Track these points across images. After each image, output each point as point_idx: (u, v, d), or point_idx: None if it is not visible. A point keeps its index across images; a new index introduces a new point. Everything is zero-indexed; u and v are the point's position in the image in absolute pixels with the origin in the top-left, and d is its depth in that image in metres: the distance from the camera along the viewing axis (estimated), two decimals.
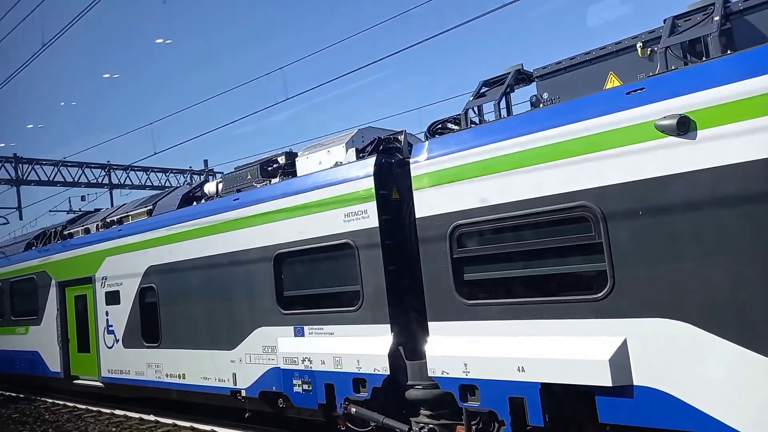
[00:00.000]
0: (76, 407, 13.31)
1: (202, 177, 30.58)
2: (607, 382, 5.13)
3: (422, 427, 6.91)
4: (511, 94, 7.02)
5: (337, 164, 8.18)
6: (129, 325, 11.48)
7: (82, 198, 28.74)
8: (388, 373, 7.02)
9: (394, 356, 7.05)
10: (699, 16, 5.61)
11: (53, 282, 14.05)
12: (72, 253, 13.43)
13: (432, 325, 6.60)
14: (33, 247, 15.87)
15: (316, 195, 7.99)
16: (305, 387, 8.02)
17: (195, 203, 10.83)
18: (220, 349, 9.42)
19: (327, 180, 7.94)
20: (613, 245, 5.25)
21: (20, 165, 26.38)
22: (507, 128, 6.17)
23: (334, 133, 9.36)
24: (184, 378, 10.19)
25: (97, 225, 13.29)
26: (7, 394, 15.93)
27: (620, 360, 5.12)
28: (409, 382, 7.00)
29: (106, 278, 12.15)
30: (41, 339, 14.50)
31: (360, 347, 7.37)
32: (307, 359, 7.99)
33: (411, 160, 6.93)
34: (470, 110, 6.99)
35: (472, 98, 7.06)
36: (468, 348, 6.20)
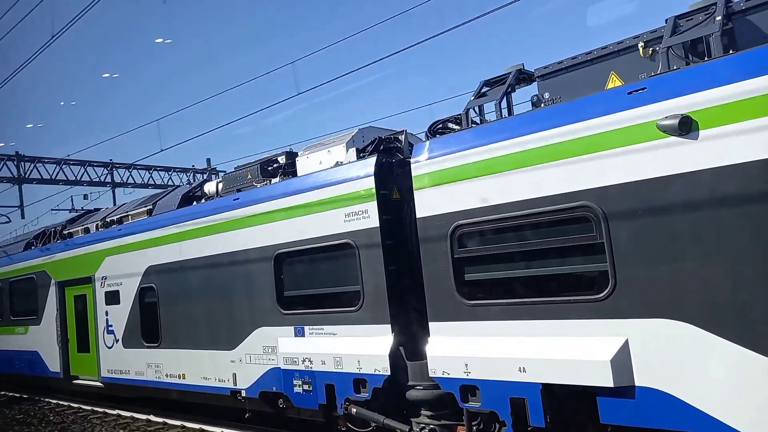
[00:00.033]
0: (81, 408, 13.15)
1: (205, 176, 30.47)
2: (609, 382, 5.12)
3: (423, 428, 6.89)
4: (512, 93, 7.01)
5: (337, 164, 8.17)
6: (129, 325, 11.47)
7: (85, 197, 28.57)
8: (388, 373, 7.01)
9: (394, 356, 7.03)
10: (701, 16, 5.60)
11: (53, 282, 14.03)
12: (72, 253, 13.41)
13: (433, 326, 6.59)
14: (32, 247, 15.85)
15: (317, 195, 7.98)
16: (305, 387, 8.00)
17: (195, 203, 10.81)
18: (220, 349, 9.41)
19: (327, 180, 7.93)
20: (615, 245, 5.24)
21: (22, 163, 26.17)
22: (508, 128, 6.16)
23: (334, 133, 9.36)
24: (184, 378, 10.18)
25: (97, 225, 13.27)
26: (10, 394, 15.81)
27: (622, 360, 5.10)
28: (410, 383, 6.99)
29: (105, 278, 12.13)
30: (41, 339, 14.47)
31: (361, 347, 7.35)
32: (307, 359, 7.98)
33: (412, 160, 6.92)
34: (471, 110, 6.98)
35: (473, 98, 7.05)
36: (469, 348, 6.19)
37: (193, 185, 11.91)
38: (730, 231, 4.70)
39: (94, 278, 12.44)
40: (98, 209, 16.44)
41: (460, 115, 7.10)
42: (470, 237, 6.35)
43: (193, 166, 32.17)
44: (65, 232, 14.58)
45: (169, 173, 31.07)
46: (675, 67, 5.42)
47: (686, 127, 4.84)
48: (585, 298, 5.44)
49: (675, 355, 4.90)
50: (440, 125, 7.40)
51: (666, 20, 5.83)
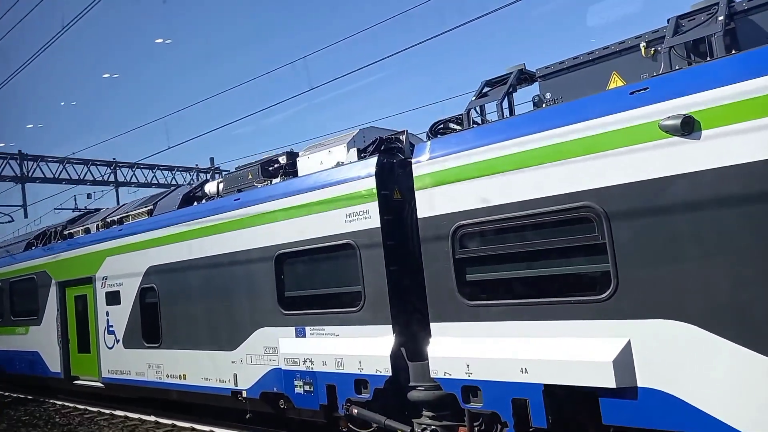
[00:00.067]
0: (87, 410, 12.97)
1: (209, 175, 30.35)
2: (611, 383, 5.11)
3: (424, 429, 6.88)
4: (514, 94, 6.99)
5: (338, 164, 8.16)
6: (129, 326, 11.46)
7: (88, 196, 28.21)
8: (390, 374, 7.00)
9: (396, 357, 7.02)
10: (703, 16, 5.59)
11: (53, 282, 14.03)
12: (72, 253, 13.40)
13: (434, 326, 6.58)
14: (33, 247, 15.84)
15: (318, 195, 7.97)
16: (306, 388, 7.99)
17: (196, 203, 10.80)
18: (221, 350, 9.40)
19: (328, 180, 7.92)
20: (617, 246, 5.23)
21: (25, 162, 25.96)
22: (509, 128, 6.15)
23: (335, 133, 9.35)
24: (184, 379, 10.17)
25: (98, 225, 13.26)
26: (15, 395, 15.67)
27: (624, 361, 5.09)
28: (411, 383, 6.97)
29: (106, 278, 12.13)
30: (41, 339, 14.47)
31: (362, 348, 7.34)
32: (308, 360, 7.97)
33: (413, 160, 6.91)
34: (472, 110, 6.97)
35: (474, 98, 7.04)
36: (470, 349, 6.18)
37: (193, 185, 11.90)
38: (732, 231, 4.68)
39: (94, 278, 12.43)
40: (99, 209, 16.44)
41: (461, 115, 7.10)
42: (472, 237, 6.34)
43: (196, 165, 32.06)
44: (66, 232, 14.57)
45: (173, 172, 30.85)
46: (677, 67, 5.41)
47: (689, 127, 4.83)
48: (587, 298, 5.43)
49: (677, 355, 4.89)
50: (441, 125, 7.40)
51: (668, 20, 5.82)
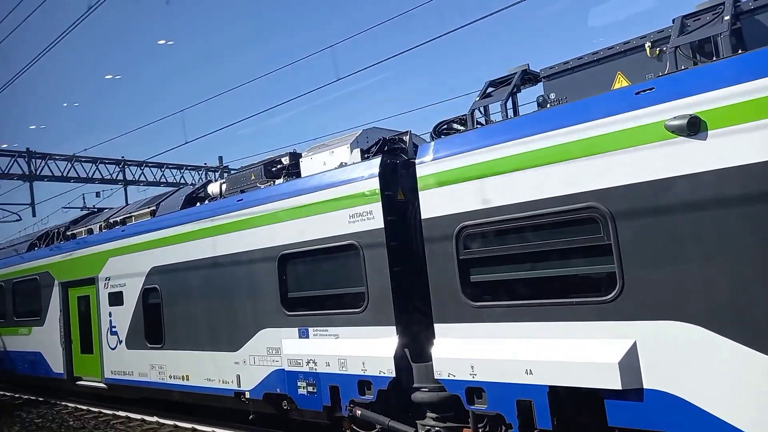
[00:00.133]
0: (101, 413, 12.67)
1: (217, 174, 30.17)
2: (617, 385, 5.08)
3: (428, 430, 6.86)
4: (518, 94, 6.98)
5: (341, 165, 8.14)
6: (132, 326, 11.45)
7: (97, 194, 27.70)
8: (393, 375, 6.98)
9: (399, 358, 7.00)
10: (708, 16, 5.57)
11: (56, 282, 14.03)
12: (75, 254, 13.41)
13: (438, 327, 6.56)
14: (36, 248, 15.86)
15: (321, 196, 7.96)
16: (310, 389, 7.98)
17: (199, 204, 10.80)
18: (223, 351, 9.39)
19: (332, 181, 7.91)
20: (622, 246, 5.20)
21: (33, 160, 25.61)
22: (514, 128, 6.13)
23: (338, 133, 9.34)
24: (187, 379, 10.16)
25: (100, 225, 13.26)
26: (26, 397, 15.49)
27: (630, 363, 5.07)
28: (415, 385, 6.96)
29: (109, 279, 12.13)
30: (44, 340, 14.48)
31: (365, 349, 7.32)
32: (311, 361, 7.95)
33: (417, 161, 6.89)
34: (476, 110, 6.95)
35: (478, 98, 7.02)
36: (475, 350, 6.16)
37: (196, 186, 11.90)
38: (739, 232, 4.66)
39: (97, 279, 12.43)
40: (102, 210, 16.45)
41: (464, 115, 7.08)
42: (476, 238, 6.31)
43: (205, 163, 31.71)
44: (69, 232, 14.58)
45: (181, 171, 30.52)
46: (683, 67, 5.39)
47: (695, 127, 4.81)
48: (592, 299, 5.41)
49: (684, 357, 4.86)
50: (445, 126, 7.38)
51: (673, 20, 5.80)
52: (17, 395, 15.88)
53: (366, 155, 8.04)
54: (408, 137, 8.16)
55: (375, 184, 7.32)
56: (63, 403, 14.10)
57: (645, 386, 5.05)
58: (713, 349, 4.70)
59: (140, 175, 29.14)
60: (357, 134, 8.53)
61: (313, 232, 8.01)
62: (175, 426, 10.69)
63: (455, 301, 6.35)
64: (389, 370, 7.01)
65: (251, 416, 9.28)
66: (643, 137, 5.10)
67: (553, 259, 5.76)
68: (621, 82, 6.07)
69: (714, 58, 5.28)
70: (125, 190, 28.52)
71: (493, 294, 6.18)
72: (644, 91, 5.20)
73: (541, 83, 6.81)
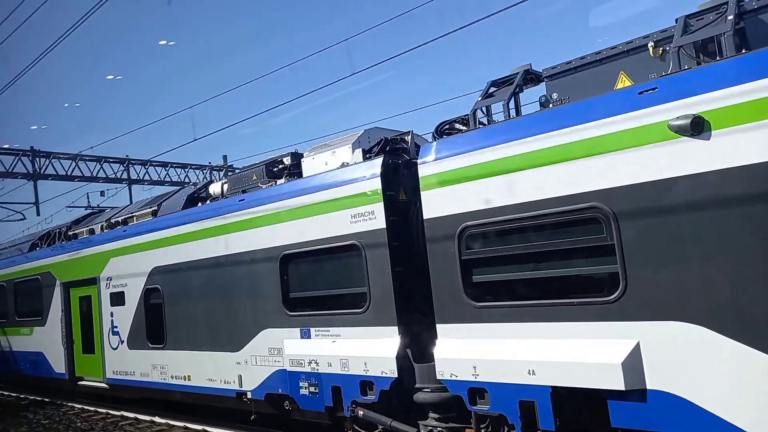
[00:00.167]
0: (109, 414, 12.45)
1: (221, 173, 30.06)
2: (620, 385, 5.07)
3: (430, 431, 6.85)
4: (520, 94, 6.96)
5: (343, 165, 8.13)
6: (134, 327, 11.45)
7: (102, 193, 27.61)
8: (395, 375, 6.97)
9: (401, 358, 6.99)
10: (711, 15, 5.55)
11: (58, 283, 14.04)
12: (77, 254, 13.41)
13: (440, 328, 6.55)
14: (37, 248, 15.87)
15: (323, 196, 7.95)
16: (312, 389, 7.97)
17: (200, 204, 10.80)
18: (225, 351, 9.38)
19: (333, 181, 7.90)
20: (625, 247, 5.19)
21: (37, 159, 25.37)
22: (516, 128, 6.12)
23: (339, 133, 9.33)
24: (189, 380, 10.15)
25: (102, 226, 13.27)
26: (32, 398, 15.31)
27: (633, 363, 5.05)
28: (417, 385, 6.94)
29: (110, 279, 12.13)
30: (46, 340, 14.48)
31: (367, 349, 7.31)
32: (313, 361, 7.94)
33: (419, 161, 6.88)
34: (478, 110, 6.94)
35: (480, 98, 7.01)
36: (477, 351, 6.15)
37: (198, 186, 11.90)
38: (742, 232, 4.64)
39: (99, 279, 12.44)
40: (103, 210, 16.47)
41: (467, 115, 7.06)
42: (478, 238, 6.30)
43: (209, 162, 31.56)
44: (70, 233, 14.59)
45: (186, 170, 30.38)
46: (686, 67, 5.37)
47: (698, 127, 4.79)
48: (595, 300, 5.39)
49: (687, 358, 4.84)
50: (447, 126, 7.37)
51: (676, 20, 5.78)
52: (22, 396, 15.76)
53: (368, 155, 8.03)
54: (410, 137, 8.14)
55: (377, 184, 7.31)
56: (69, 404, 13.95)
57: (648, 387, 5.04)
58: (717, 350, 4.68)
59: (144, 174, 28.95)
60: (359, 134, 8.52)
61: (315, 232, 8.00)
62: (185, 428, 10.61)
63: (457, 301, 6.33)
64: (391, 370, 7.00)
65: (253, 416, 9.28)
66: (646, 137, 5.08)
67: (556, 260, 5.75)
68: (624, 82, 6.05)
69: (717, 58, 5.26)
70: (129, 189, 28.30)
71: (496, 294, 6.17)
72: (647, 90, 5.18)
73: (544, 83, 6.79)
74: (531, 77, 6.98)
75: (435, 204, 6.61)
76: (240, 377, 9.13)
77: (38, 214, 26.75)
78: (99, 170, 27.35)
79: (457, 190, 6.41)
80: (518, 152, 5.93)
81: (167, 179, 29.59)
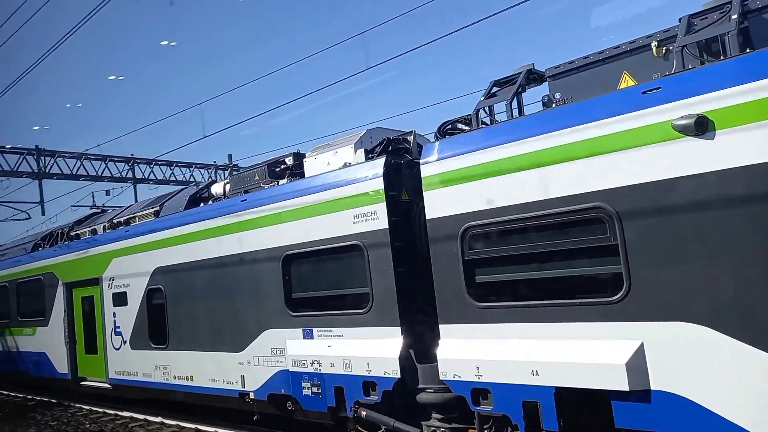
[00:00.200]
0: (117, 415, 12.29)
1: (227, 172, 29.96)
2: (624, 386, 5.05)
3: (433, 431, 6.84)
4: (523, 94, 6.94)
5: (345, 165, 8.12)
6: (136, 327, 11.46)
7: (107, 192, 27.32)
8: (398, 376, 6.96)
9: (404, 359, 6.98)
10: (715, 15, 5.53)
11: (60, 283, 14.06)
12: (79, 254, 13.43)
13: (443, 328, 6.54)
14: (40, 248, 15.89)
15: (325, 196, 7.94)
16: (314, 390, 7.96)
17: (202, 204, 10.80)
18: (228, 351, 9.38)
19: (336, 181, 7.89)
20: (629, 247, 5.17)
21: (42, 158, 25.10)
22: (519, 128, 6.10)
23: (341, 132, 9.32)
24: (192, 380, 10.16)
25: (104, 226, 13.28)
26: (38, 398, 15.18)
27: (637, 364, 5.04)
28: (420, 386, 6.94)
29: (113, 279, 12.14)
30: (48, 340, 14.50)
31: (370, 350, 7.30)
32: (316, 362, 7.94)
33: (421, 161, 6.87)
34: (481, 110, 6.93)
35: (482, 98, 6.99)
36: (480, 351, 6.13)
37: (200, 186, 11.91)
38: (746, 233, 4.62)
39: (101, 279, 12.45)
40: (106, 210, 16.48)
41: (469, 115, 7.05)
42: (481, 238, 6.29)
43: (214, 162, 31.39)
44: (72, 233, 14.61)
45: (191, 169, 30.21)
46: (690, 67, 5.35)
47: (702, 127, 4.77)
48: (599, 300, 5.38)
49: (691, 358, 4.83)
50: (449, 126, 7.36)
51: (680, 19, 5.76)
52: (29, 396, 15.66)
53: (370, 155, 8.02)
54: (412, 137, 8.13)
55: (379, 184, 7.30)
56: (77, 405, 13.81)
57: (652, 387, 5.02)
58: (721, 351, 4.66)
59: (150, 173, 28.77)
60: (361, 134, 8.51)
61: (317, 233, 7.99)
62: (197, 429, 10.55)
63: (460, 301, 6.32)
64: (394, 370, 6.99)
65: (255, 417, 9.27)
66: (650, 137, 5.07)
67: (559, 260, 5.73)
68: (627, 82, 6.03)
69: (721, 58, 5.24)
70: (135, 188, 28.14)
71: (499, 294, 6.16)
72: (651, 90, 5.16)
73: (547, 83, 6.78)
74: (534, 77, 6.96)
75: (438, 204, 6.60)
76: (243, 378, 9.13)
77: (43, 214, 26.44)
78: (104, 169, 27.16)
79: (459, 190, 6.40)
80: (521, 152, 5.92)
81: (172, 178, 29.39)
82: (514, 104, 6.74)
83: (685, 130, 4.85)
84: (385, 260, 7.21)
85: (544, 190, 5.71)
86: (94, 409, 13.16)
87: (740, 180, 4.61)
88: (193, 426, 10.63)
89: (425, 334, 7.01)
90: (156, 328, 10.94)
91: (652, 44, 5.88)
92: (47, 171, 25.29)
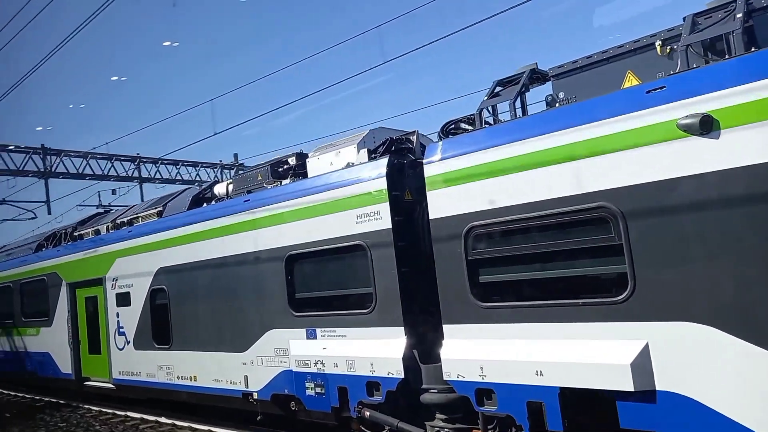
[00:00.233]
0: (128, 416, 12.14)
1: (232, 171, 29.84)
2: (629, 386, 5.03)
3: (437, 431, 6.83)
4: (526, 93, 6.92)
5: (348, 165, 8.12)
6: (140, 327, 11.47)
7: (113, 192, 27.24)
8: (402, 376, 6.95)
9: (408, 359, 6.98)
10: (720, 14, 5.51)
11: (64, 283, 14.08)
12: (83, 255, 13.45)
13: (447, 328, 6.53)
14: (43, 249, 15.92)
15: (328, 196, 7.94)
16: (318, 390, 7.96)
17: (205, 204, 10.80)
18: (231, 351, 9.38)
19: (339, 181, 7.88)
20: (634, 246, 5.16)
21: (48, 157, 24.91)
22: (523, 128, 6.09)
23: (344, 132, 9.31)
24: (195, 380, 10.17)
25: (108, 226, 13.30)
26: (47, 399, 15.04)
27: (642, 364, 5.02)
28: (424, 386, 6.93)
29: (116, 280, 12.15)
30: (52, 340, 14.53)
31: (373, 350, 7.30)
32: (319, 362, 7.93)
33: (425, 161, 6.86)
34: (484, 110, 6.91)
35: (486, 98, 6.98)
36: (484, 351, 6.12)
37: (203, 186, 11.91)
38: (752, 232, 4.60)
39: (105, 280, 12.46)
40: (108, 211, 16.50)
41: (472, 115, 7.04)
42: (485, 238, 6.28)
43: (220, 161, 31.22)
44: (76, 233, 14.63)
45: (197, 168, 30.08)
46: (694, 66, 5.33)
47: (707, 126, 4.75)
48: (603, 300, 5.36)
49: (697, 358, 4.81)
50: (453, 125, 7.35)
51: (684, 18, 5.74)
52: (37, 397, 15.56)
53: (373, 155, 8.01)
54: (415, 137, 8.13)
55: (382, 184, 7.29)
56: (85, 407, 13.67)
57: (657, 388, 5.01)
58: (727, 351, 4.64)
59: (155, 172, 28.66)
60: (364, 134, 8.50)
61: (320, 233, 7.99)
62: (209, 431, 10.51)
63: (464, 301, 6.31)
64: (398, 371, 6.98)
65: (259, 417, 9.28)
66: (654, 136, 5.05)
67: (564, 260, 5.72)
68: (631, 81, 6.01)
69: (726, 57, 5.22)
70: (140, 187, 27.99)
71: (503, 295, 6.14)
72: (655, 89, 5.14)
73: (550, 82, 6.76)
74: (537, 76, 6.94)
75: (441, 204, 6.59)
76: (246, 378, 9.13)
77: (49, 213, 26.27)
78: (110, 168, 26.98)
79: (463, 190, 6.38)
80: (524, 152, 5.90)
81: (178, 177, 29.24)
82: (518, 104, 6.72)
83: (689, 130, 4.83)
84: (389, 260, 7.20)
85: (548, 189, 5.70)
86: (104, 410, 13.03)
87: (745, 179, 4.59)
88: (206, 428, 10.60)
89: (429, 334, 6.99)
90: (159, 328, 10.96)
91: (656, 43, 5.85)
92: (53, 170, 25.11)
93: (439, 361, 6.58)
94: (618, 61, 6.15)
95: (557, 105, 6.49)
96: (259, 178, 9.74)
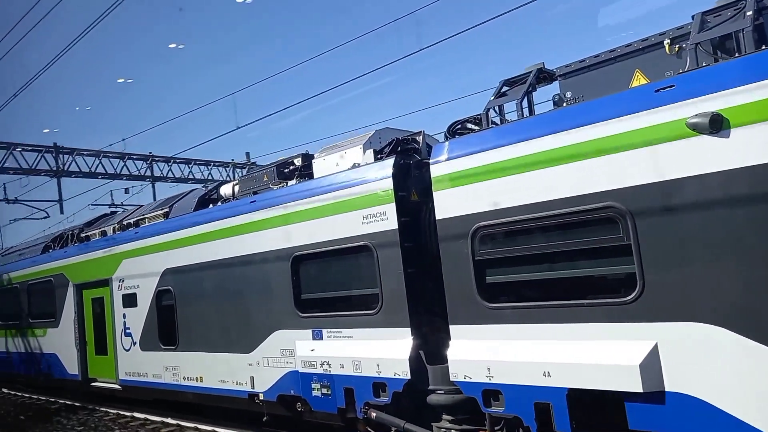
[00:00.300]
0: (147, 419, 11.86)
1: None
2: (638, 387, 4.99)
3: None
4: (533, 93, 6.89)
5: (354, 166, 8.10)
6: (146, 328, 11.50)
7: (126, 191, 27.17)
8: (408, 377, 6.93)
9: (414, 360, 6.95)
10: (729, 12, 5.47)
11: (70, 284, 14.13)
12: (89, 256, 13.49)
13: (453, 329, 6.50)
14: (50, 250, 15.99)
15: (334, 197, 7.92)
16: (324, 391, 7.94)
17: (211, 205, 10.82)
18: (237, 352, 9.38)
19: (345, 182, 7.87)
20: (642, 247, 5.12)
21: (60, 156, 24.78)
22: (530, 127, 6.06)
23: (349, 132, 9.31)
24: (201, 381, 10.17)
25: (114, 227, 13.34)
26: (62, 401, 14.87)
27: (651, 365, 4.98)
28: (431, 387, 6.90)
29: (123, 281, 12.18)
30: (59, 341, 14.58)
31: (380, 351, 7.28)
32: (325, 363, 7.91)
33: (431, 161, 6.84)
34: (491, 110, 6.88)
35: (493, 98, 6.95)
36: (491, 352, 6.09)
37: (209, 188, 11.92)
38: (763, 231, 4.55)
39: (111, 281, 12.50)
40: (115, 212, 16.56)
41: (479, 115, 7.01)
42: (492, 239, 6.25)
43: (232, 160, 31.12)
44: (82, 234, 14.69)
45: (209, 167, 30.02)
46: (703, 64, 5.29)
47: (717, 125, 4.71)
48: (612, 300, 5.32)
49: (706, 359, 4.76)
50: (459, 126, 7.32)
51: (692, 16, 5.70)
52: (52, 399, 15.40)
53: (379, 156, 8.00)
54: (421, 137, 8.10)
55: (388, 184, 7.27)
56: (102, 409, 13.41)
57: (666, 389, 4.96)
58: (737, 352, 4.60)
59: (168, 171, 28.54)
60: (369, 135, 8.49)
61: (327, 234, 7.97)
62: (214, 431, 10.44)
63: (471, 302, 6.28)
64: (404, 372, 6.96)
65: (265, 418, 9.27)
66: (663, 135, 5.01)
67: (571, 260, 5.68)
68: (639, 80, 5.97)
69: (735, 55, 5.18)
70: (153, 186, 27.90)
71: (510, 295, 6.11)
72: (664, 88, 5.11)
73: (557, 82, 6.73)
74: (544, 76, 6.91)
75: (447, 204, 6.57)
76: (252, 378, 9.13)
77: (62, 212, 26.10)
78: (122, 167, 26.87)
79: (469, 190, 6.36)
80: (532, 151, 5.87)
81: (191, 176, 29.14)
82: (525, 103, 6.69)
83: (699, 128, 4.79)
84: (395, 261, 7.18)
85: (556, 189, 5.66)
86: (122, 413, 12.78)
87: (756, 178, 4.54)
88: (210, 428, 10.51)
89: (435, 335, 6.97)
90: (165, 329, 10.97)
91: (665, 42, 5.81)
92: (66, 169, 24.95)
93: (446, 362, 6.55)
94: (626, 60, 6.12)
95: (564, 104, 6.46)
96: (265, 179, 9.74)
